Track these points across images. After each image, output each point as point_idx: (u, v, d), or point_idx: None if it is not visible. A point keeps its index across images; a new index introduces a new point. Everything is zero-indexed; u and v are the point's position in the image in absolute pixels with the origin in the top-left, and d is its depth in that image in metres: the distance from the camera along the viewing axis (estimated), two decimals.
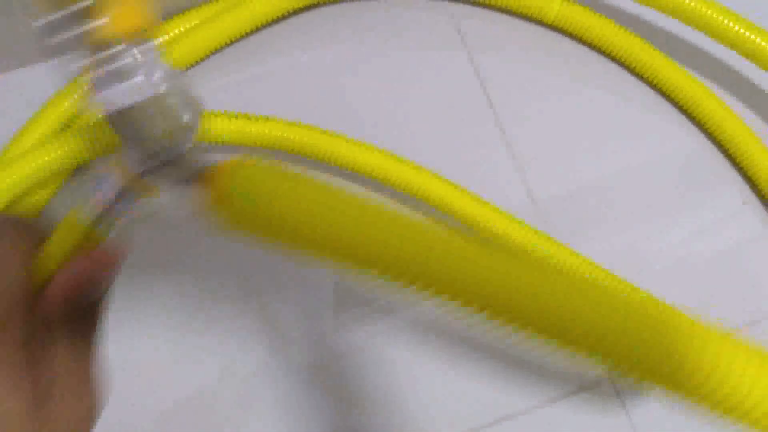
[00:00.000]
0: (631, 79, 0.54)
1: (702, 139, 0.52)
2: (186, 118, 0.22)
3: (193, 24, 0.51)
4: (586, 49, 0.54)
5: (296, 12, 0.54)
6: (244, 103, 0.51)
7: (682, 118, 0.53)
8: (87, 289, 0.26)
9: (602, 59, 0.54)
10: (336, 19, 0.55)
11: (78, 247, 0.25)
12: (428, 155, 0.48)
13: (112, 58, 0.20)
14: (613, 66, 0.54)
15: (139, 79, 0.20)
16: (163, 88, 0.21)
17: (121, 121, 0.21)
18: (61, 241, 0.25)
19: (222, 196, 0.23)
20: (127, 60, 0.20)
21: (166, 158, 0.23)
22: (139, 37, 0.21)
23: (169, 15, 0.51)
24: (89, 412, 0.26)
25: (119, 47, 0.20)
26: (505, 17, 0.55)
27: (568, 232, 0.48)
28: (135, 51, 0.20)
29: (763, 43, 0.47)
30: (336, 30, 0.55)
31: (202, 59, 0.52)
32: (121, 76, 0.20)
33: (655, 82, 0.52)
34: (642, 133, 0.53)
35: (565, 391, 0.47)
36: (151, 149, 0.22)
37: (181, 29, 0.51)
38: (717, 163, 0.52)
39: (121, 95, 0.20)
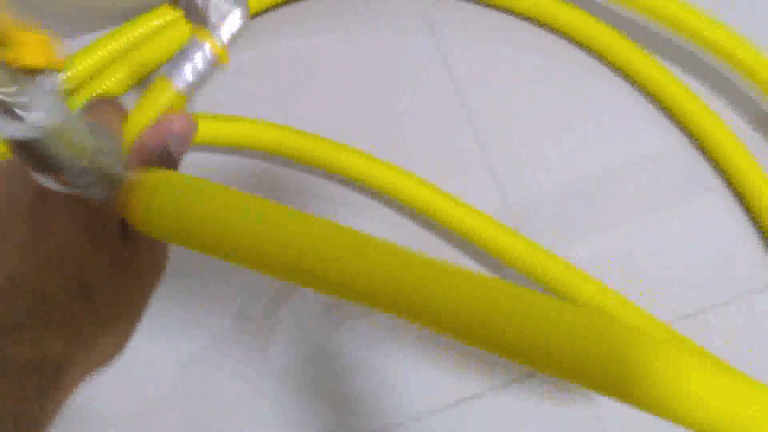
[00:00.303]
0: (608, 73, 0.55)
1: (679, 135, 0.54)
2: (94, 146, 0.24)
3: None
4: (562, 42, 0.55)
5: (271, 7, 0.53)
6: (214, 99, 0.50)
7: (660, 115, 0.54)
8: (168, 145, 0.28)
9: (578, 53, 0.55)
10: (308, 11, 0.55)
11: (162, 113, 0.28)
12: (400, 153, 0.49)
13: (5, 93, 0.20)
14: (590, 60, 0.55)
15: (24, 116, 0.21)
16: (37, 133, 0.21)
17: (27, 148, 0.22)
18: (146, 107, 0.28)
19: (143, 210, 0.25)
20: (15, 98, 0.20)
21: (90, 180, 0.24)
22: (39, 74, 0.22)
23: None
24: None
25: (11, 85, 0.20)
26: (477, 8, 0.56)
27: (543, 234, 0.49)
28: (26, 89, 0.21)
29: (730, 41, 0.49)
30: (308, 22, 0.55)
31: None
32: (9, 111, 0.21)
33: (631, 76, 0.53)
34: (620, 131, 0.54)
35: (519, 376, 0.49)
36: (71, 173, 0.24)
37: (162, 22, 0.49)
38: (693, 160, 0.53)
39: (9, 129, 0.21)
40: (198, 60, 0.29)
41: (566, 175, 0.52)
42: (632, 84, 0.54)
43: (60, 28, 0.55)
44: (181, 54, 0.29)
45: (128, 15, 0.53)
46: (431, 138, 0.53)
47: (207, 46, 0.29)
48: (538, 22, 0.55)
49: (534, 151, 0.53)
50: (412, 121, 0.53)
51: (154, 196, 0.24)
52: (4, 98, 0.20)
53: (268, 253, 0.23)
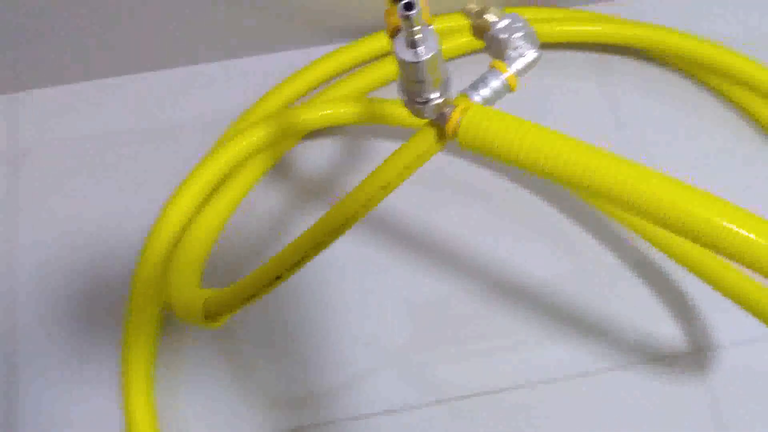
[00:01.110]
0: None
1: None
2: (442, 73, 0.33)
3: None
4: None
5: None
6: None
7: None
8: None
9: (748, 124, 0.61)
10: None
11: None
12: None
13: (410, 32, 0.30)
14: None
15: (414, 47, 0.31)
16: (422, 58, 0.31)
17: (405, 68, 0.32)
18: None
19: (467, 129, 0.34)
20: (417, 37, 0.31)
21: (431, 100, 0.34)
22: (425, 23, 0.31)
23: None
24: None
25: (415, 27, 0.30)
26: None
27: None
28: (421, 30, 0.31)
29: None
30: None
31: None
32: (412, 45, 0.31)
33: None
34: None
35: (637, 359, 0.52)
36: (426, 91, 0.33)
37: None
38: None
39: (404, 53, 0.31)
40: (494, 86, 0.40)
41: None
42: None
43: (298, 38, 0.65)
44: (481, 80, 0.39)
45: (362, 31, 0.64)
46: None
47: (504, 76, 0.40)
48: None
49: None
50: None
51: (478, 113, 0.34)
52: (414, 38, 0.31)
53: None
